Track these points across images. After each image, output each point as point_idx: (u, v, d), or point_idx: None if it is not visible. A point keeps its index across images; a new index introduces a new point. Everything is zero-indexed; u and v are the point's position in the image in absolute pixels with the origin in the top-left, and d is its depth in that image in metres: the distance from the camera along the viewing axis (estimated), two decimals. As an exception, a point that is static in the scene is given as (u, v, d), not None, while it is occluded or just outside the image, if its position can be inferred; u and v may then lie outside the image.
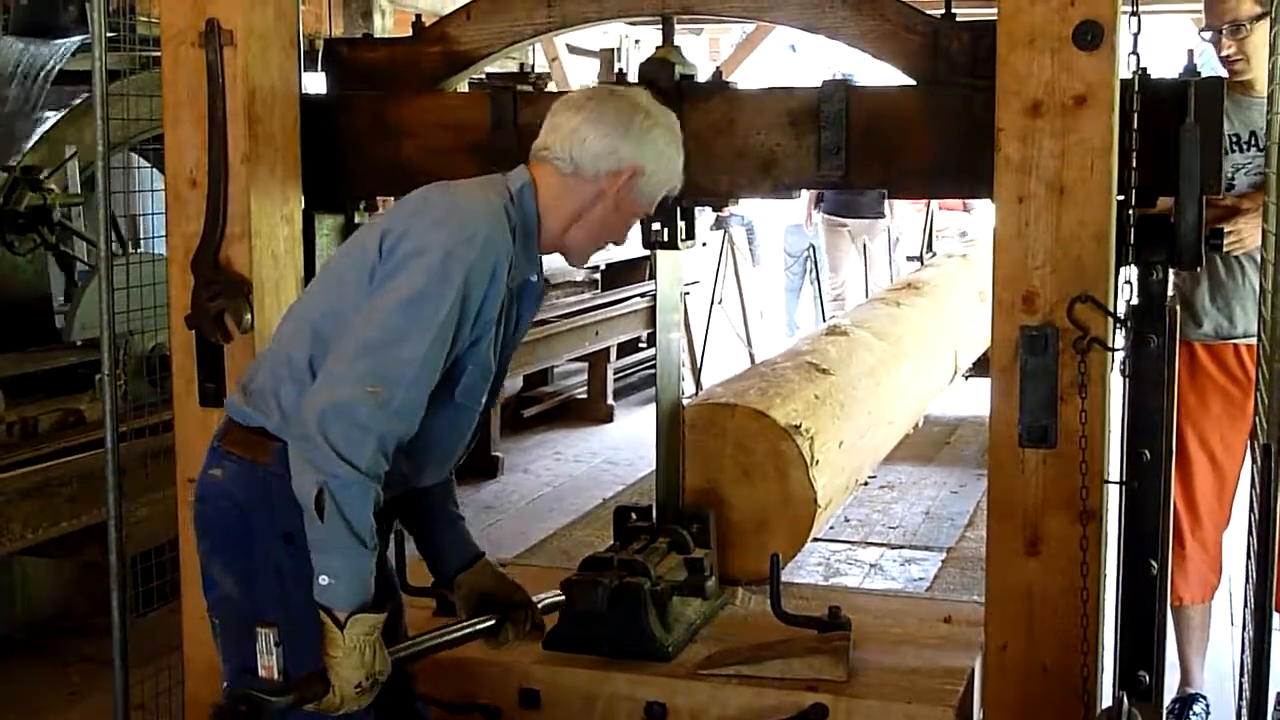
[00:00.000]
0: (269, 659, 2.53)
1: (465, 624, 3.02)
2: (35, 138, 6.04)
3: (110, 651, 3.98)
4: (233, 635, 2.71)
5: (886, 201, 12.07)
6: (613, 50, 11.21)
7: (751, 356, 10.38)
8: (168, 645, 3.90)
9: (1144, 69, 2.97)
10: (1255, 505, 3.51)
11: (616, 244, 2.94)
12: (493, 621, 3.03)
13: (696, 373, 10.14)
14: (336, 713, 2.56)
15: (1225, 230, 3.85)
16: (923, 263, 8.82)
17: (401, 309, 2.57)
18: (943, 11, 3.24)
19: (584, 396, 9.85)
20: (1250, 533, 3.58)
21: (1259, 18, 3.99)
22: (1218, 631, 5.34)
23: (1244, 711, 3.53)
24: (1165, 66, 3.08)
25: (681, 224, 3.49)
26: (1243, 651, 3.66)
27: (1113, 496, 3.07)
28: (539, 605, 3.16)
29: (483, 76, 3.92)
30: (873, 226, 12.02)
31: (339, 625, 2.51)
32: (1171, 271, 3.05)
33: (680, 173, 2.87)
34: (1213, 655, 5.07)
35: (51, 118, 6.06)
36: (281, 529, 2.62)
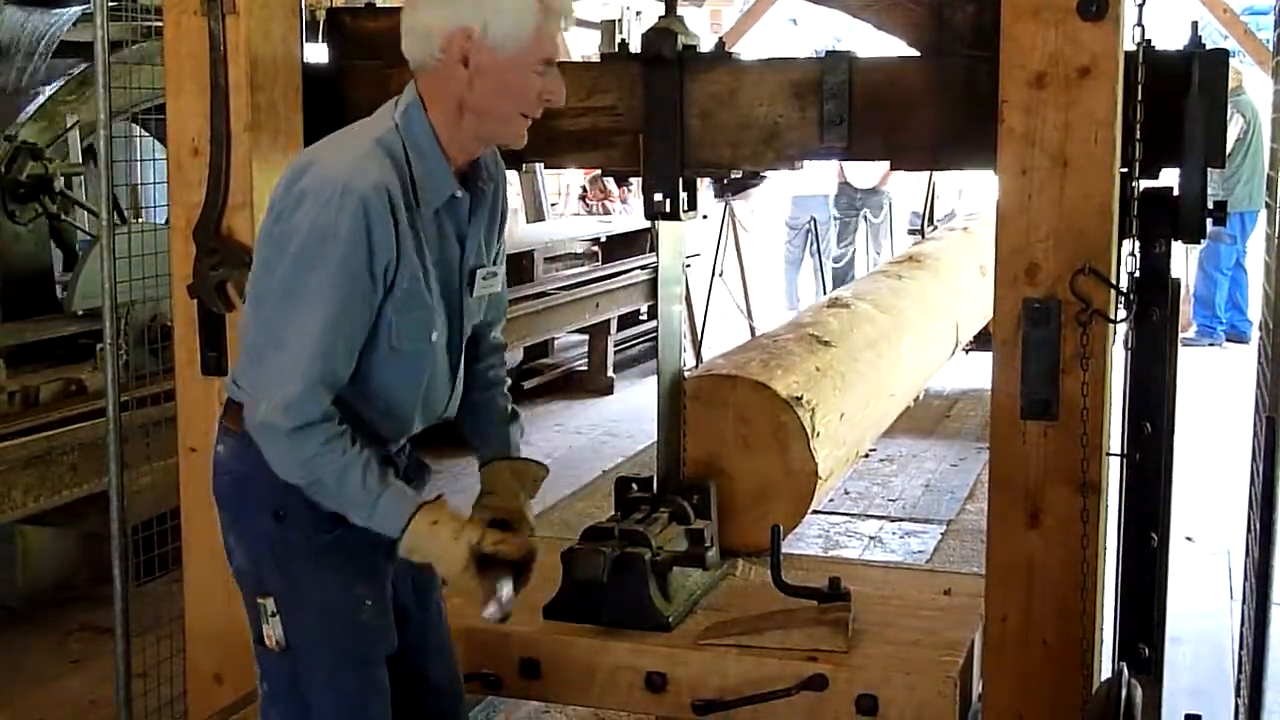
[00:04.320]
0: (269, 627, 2.58)
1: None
2: (35, 107, 6.03)
3: (111, 620, 4.00)
4: (247, 605, 2.75)
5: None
6: (614, 21, 11.19)
7: (752, 329, 10.38)
8: (169, 613, 3.91)
9: (1148, 41, 2.96)
10: (1257, 477, 3.52)
11: (553, 102, 2.64)
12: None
13: (697, 345, 10.14)
14: (485, 589, 2.61)
15: None
16: (924, 236, 8.80)
17: (277, 307, 2.54)
18: (947, -17, 3.24)
19: (584, 368, 9.86)
20: (1251, 505, 3.59)
21: None
22: (1215, 606, 5.36)
23: (1243, 685, 3.54)
24: (1170, 38, 3.07)
25: (684, 195, 3.48)
26: (1242, 625, 3.67)
27: (1113, 469, 3.07)
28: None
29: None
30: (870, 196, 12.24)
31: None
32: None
33: (537, 17, 2.55)
34: (1209, 628, 5.09)
35: (52, 87, 6.06)
36: (272, 505, 2.63)
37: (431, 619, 2.92)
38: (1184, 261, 11.04)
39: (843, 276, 11.96)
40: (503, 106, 2.60)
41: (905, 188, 12.38)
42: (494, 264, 2.82)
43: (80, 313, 5.56)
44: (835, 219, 12.83)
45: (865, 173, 12.40)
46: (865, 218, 12.73)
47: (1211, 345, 11.20)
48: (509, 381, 3.05)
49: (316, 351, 2.49)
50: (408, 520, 2.57)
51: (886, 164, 3.50)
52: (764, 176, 4.12)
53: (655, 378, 3.80)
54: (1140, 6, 2.95)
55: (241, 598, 2.78)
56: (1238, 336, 11.28)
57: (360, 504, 2.55)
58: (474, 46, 2.53)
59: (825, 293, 10.69)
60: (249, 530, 2.70)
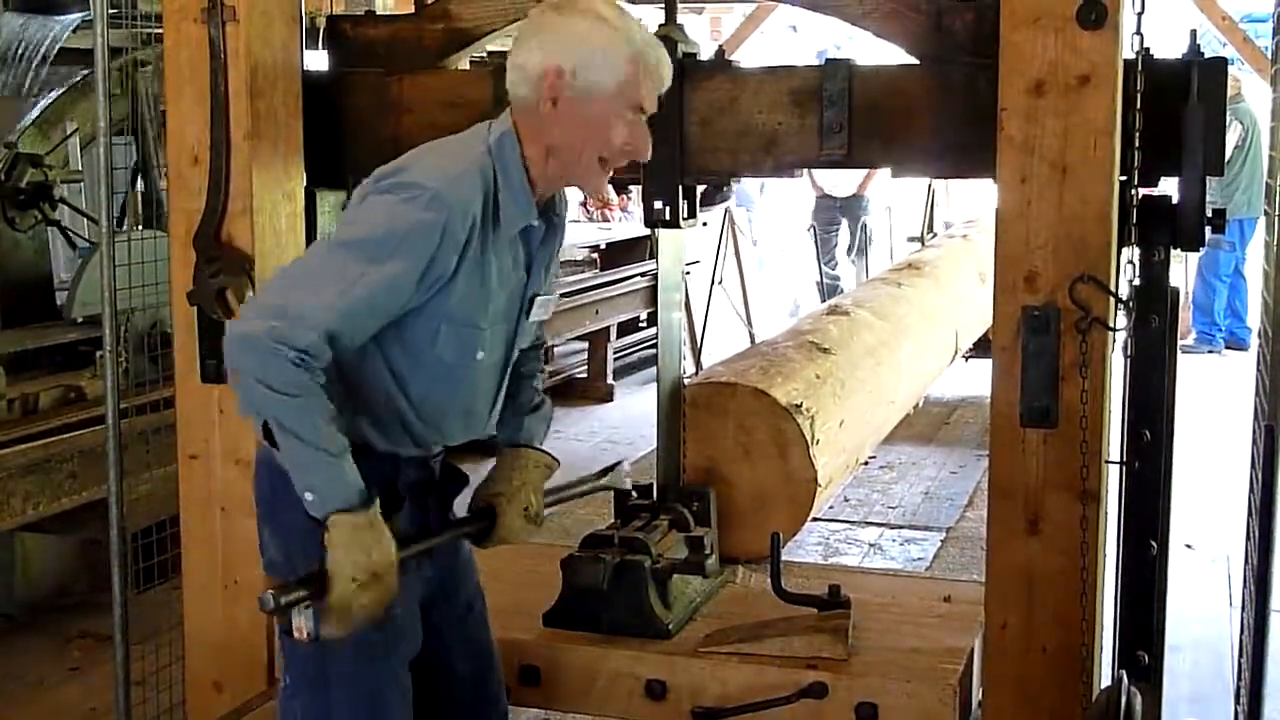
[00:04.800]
0: (299, 620, 2.55)
1: (459, 519, 2.94)
2: (35, 114, 6.03)
3: (111, 627, 3.99)
4: None
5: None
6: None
7: (752, 336, 10.39)
8: (168, 621, 3.91)
9: (1147, 49, 2.96)
10: (1257, 484, 3.52)
11: (639, 160, 2.72)
12: (485, 523, 2.91)
13: (697, 352, 10.14)
14: (346, 612, 2.53)
15: None
16: (923, 243, 8.82)
17: (322, 256, 2.62)
18: (946, -10, 3.24)
19: (584, 375, 9.86)
20: (1250, 513, 3.59)
21: None
22: (1214, 613, 5.36)
23: (1242, 692, 3.54)
24: (1169, 46, 3.07)
25: (684, 203, 3.48)
26: (1241, 632, 3.67)
27: (1113, 476, 3.07)
28: (539, 494, 2.98)
29: (484, 54, 3.91)
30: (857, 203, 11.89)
31: (326, 529, 2.52)
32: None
33: (632, 53, 2.62)
34: (1209, 635, 5.09)
35: (52, 94, 6.06)
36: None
37: (458, 613, 2.94)
38: (1183, 269, 11.05)
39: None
40: (583, 150, 2.65)
41: (900, 192, 12.23)
42: (548, 291, 2.89)
43: (80, 320, 5.56)
44: (813, 232, 12.25)
45: (843, 179, 11.82)
46: (848, 228, 12.13)
47: (1211, 352, 11.20)
48: (541, 375, 3.09)
49: (339, 309, 2.50)
50: (340, 508, 2.52)
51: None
52: (730, 191, 4.15)
53: (655, 385, 3.80)
54: (1139, 15, 2.95)
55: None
56: (1237, 344, 11.29)
57: (304, 451, 2.50)
58: (564, 85, 2.60)
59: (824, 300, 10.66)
60: (283, 524, 2.71)
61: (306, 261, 2.68)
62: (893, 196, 12.65)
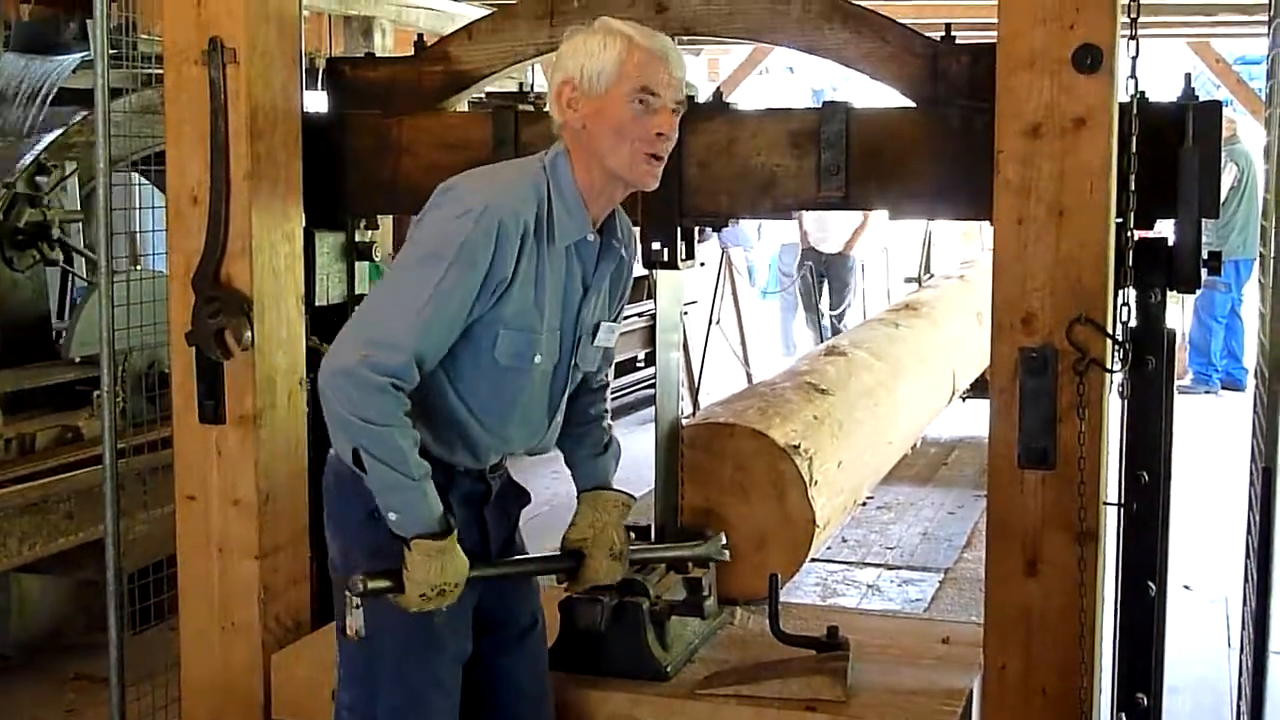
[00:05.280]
0: (351, 618, 2.80)
1: (546, 555, 3.14)
2: (35, 154, 6.04)
3: (107, 669, 3.98)
4: (336, 595, 2.95)
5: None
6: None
7: (749, 376, 10.38)
8: (164, 663, 3.90)
9: (1142, 92, 2.98)
10: (1254, 527, 3.52)
11: (667, 136, 2.81)
12: (573, 563, 3.09)
13: (694, 392, 10.14)
14: (411, 610, 2.79)
15: None
16: (920, 284, 8.83)
17: (395, 281, 2.79)
18: (943, 34, 3.26)
19: (582, 416, 9.82)
20: (1248, 555, 3.58)
21: None
22: (1213, 655, 5.34)
23: (1242, 734, 3.53)
24: (1164, 90, 3.09)
25: (682, 244, 3.50)
26: (1240, 673, 3.66)
27: (1111, 518, 3.07)
28: (629, 550, 3.15)
29: (482, 96, 3.92)
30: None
31: (408, 548, 2.73)
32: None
33: (623, 49, 2.77)
34: (1208, 677, 5.08)
35: (51, 134, 6.06)
36: (367, 506, 2.81)
37: (524, 627, 3.11)
38: (1179, 310, 11.06)
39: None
40: (615, 143, 2.81)
41: (893, 242, 12.18)
42: (615, 320, 3.09)
43: (78, 359, 5.56)
44: (794, 280, 12.09)
45: (831, 236, 11.71)
46: (829, 286, 11.93)
47: (1208, 393, 11.20)
48: (609, 416, 3.29)
49: (420, 327, 2.70)
50: (420, 534, 2.73)
51: (854, 226, 3.54)
52: (709, 233, 4.18)
53: (653, 425, 3.80)
54: (1134, 58, 2.97)
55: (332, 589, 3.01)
56: (1233, 385, 11.28)
57: (391, 476, 2.70)
58: (578, 93, 2.80)
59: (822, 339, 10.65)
60: (344, 525, 2.93)
61: (381, 291, 2.84)
62: (889, 238, 12.66)
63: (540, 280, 2.83)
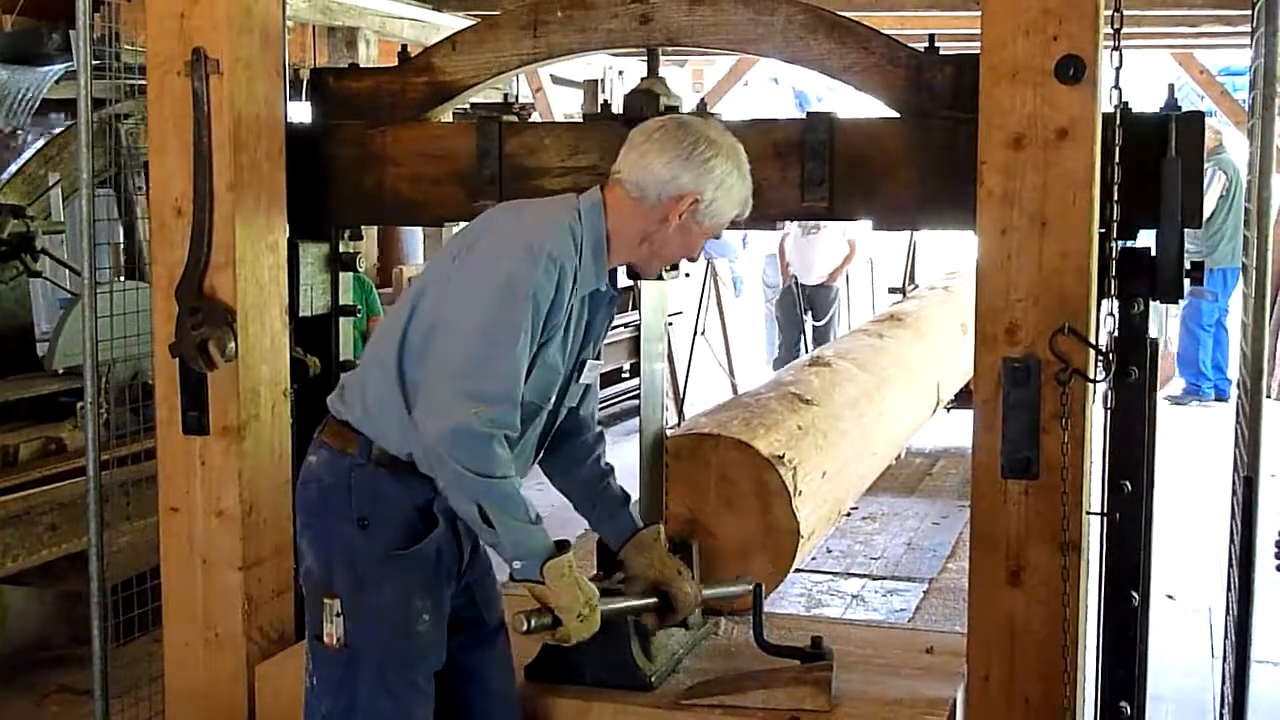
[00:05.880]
0: (331, 626, 2.84)
1: (635, 604, 3.21)
2: (17, 165, 6.04)
3: (90, 681, 3.96)
4: (310, 604, 3.00)
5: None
6: (596, 81, 11.24)
7: (734, 387, 10.38)
8: (148, 675, 3.89)
9: (1125, 103, 2.99)
10: (1236, 537, 3.52)
11: (690, 260, 3.10)
12: (661, 602, 3.21)
13: (679, 403, 10.13)
14: (570, 642, 2.93)
15: None
16: (905, 295, 8.83)
17: (482, 332, 2.81)
18: (926, 45, 3.27)
19: (566, 426, 9.81)
20: (1230, 564, 3.59)
21: None
22: (1196, 664, 5.35)
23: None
24: (1147, 101, 3.10)
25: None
26: (1223, 683, 3.67)
27: (1094, 527, 3.07)
28: (703, 595, 3.29)
29: (466, 107, 3.92)
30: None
31: (540, 582, 2.84)
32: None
33: (745, 199, 2.98)
34: (1191, 686, 5.08)
35: (35, 145, 6.07)
36: (357, 514, 2.90)
37: (493, 630, 3.17)
38: (1163, 319, 11.07)
39: None
40: (673, 254, 3.02)
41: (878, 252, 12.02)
42: (597, 357, 3.19)
43: (61, 371, 5.55)
44: (777, 321, 11.81)
45: (816, 268, 11.28)
46: (811, 321, 11.40)
47: (1199, 404, 11.19)
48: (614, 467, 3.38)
49: (517, 374, 2.82)
50: (548, 557, 2.84)
51: (840, 257, 3.57)
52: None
53: (638, 436, 3.79)
54: (1117, 69, 2.98)
55: (305, 597, 3.05)
56: (1222, 396, 11.29)
57: (516, 527, 2.82)
58: (695, 211, 2.92)
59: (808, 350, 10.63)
60: (325, 535, 2.96)
61: (464, 336, 2.83)
62: (874, 249, 12.61)
63: (568, 323, 2.95)
